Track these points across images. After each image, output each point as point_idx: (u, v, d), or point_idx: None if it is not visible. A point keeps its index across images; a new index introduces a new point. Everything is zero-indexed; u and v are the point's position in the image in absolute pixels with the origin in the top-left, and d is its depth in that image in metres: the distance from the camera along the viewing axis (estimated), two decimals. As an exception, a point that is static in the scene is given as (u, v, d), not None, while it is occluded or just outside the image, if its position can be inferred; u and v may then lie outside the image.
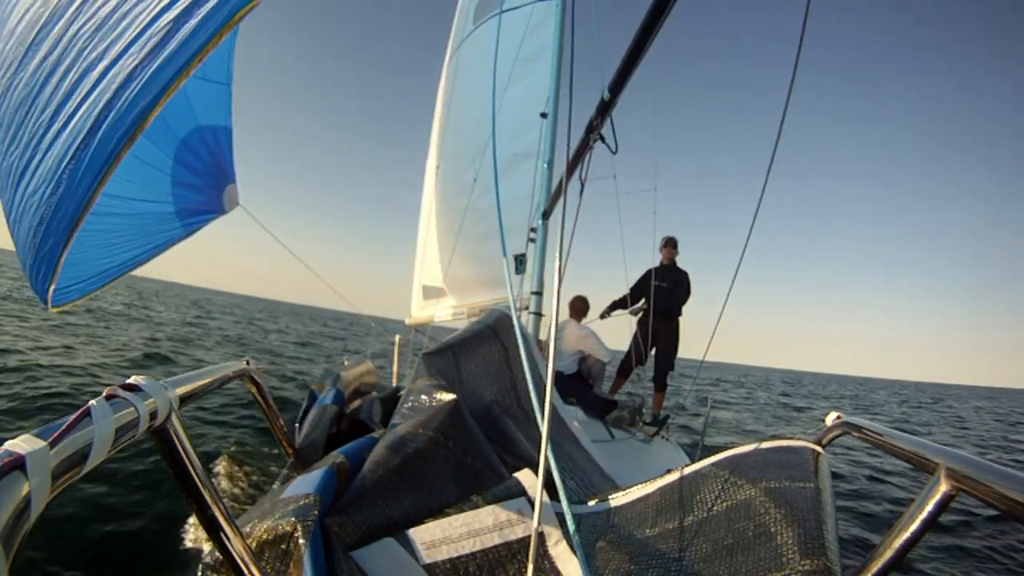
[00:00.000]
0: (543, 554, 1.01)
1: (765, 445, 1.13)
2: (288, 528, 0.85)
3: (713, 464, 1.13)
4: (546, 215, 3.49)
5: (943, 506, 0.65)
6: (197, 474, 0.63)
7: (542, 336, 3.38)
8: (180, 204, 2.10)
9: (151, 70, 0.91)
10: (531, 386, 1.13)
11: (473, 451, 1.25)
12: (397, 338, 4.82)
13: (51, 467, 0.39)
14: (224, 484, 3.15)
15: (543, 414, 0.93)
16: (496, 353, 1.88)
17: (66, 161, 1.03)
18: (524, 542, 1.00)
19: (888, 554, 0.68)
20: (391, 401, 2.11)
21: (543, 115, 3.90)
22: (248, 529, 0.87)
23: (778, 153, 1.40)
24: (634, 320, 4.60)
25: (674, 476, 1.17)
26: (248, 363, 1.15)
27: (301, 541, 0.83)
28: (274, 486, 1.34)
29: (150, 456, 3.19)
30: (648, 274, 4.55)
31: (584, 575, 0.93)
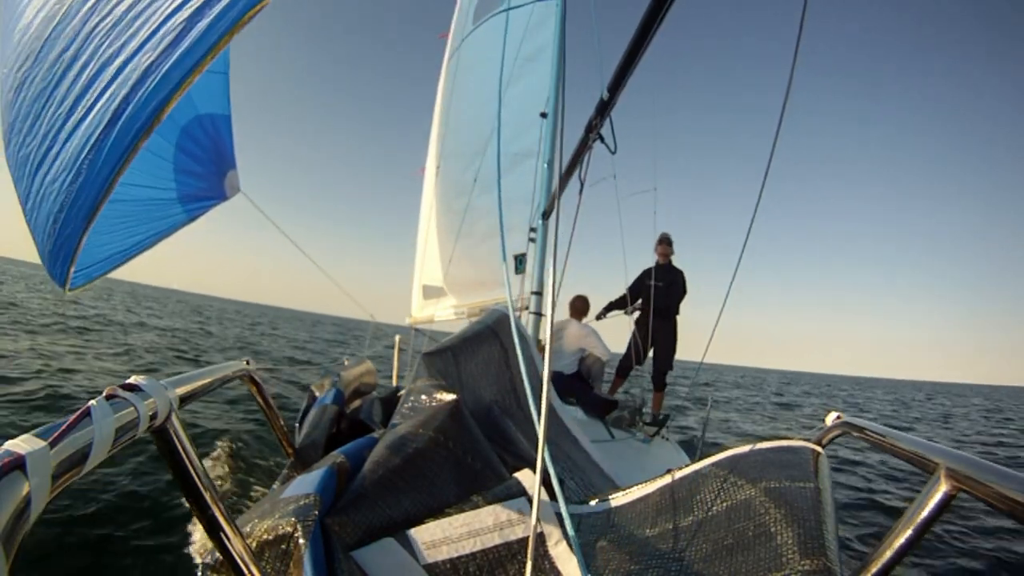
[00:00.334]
0: (543, 554, 1.01)
1: (765, 445, 1.13)
2: (288, 528, 0.85)
3: (713, 464, 1.13)
4: (546, 215, 3.49)
5: (943, 506, 0.65)
6: (197, 474, 0.63)
7: (542, 336, 3.38)
8: (183, 190, 2.14)
9: (165, 67, 0.95)
10: (528, 386, 1.13)
11: (473, 451, 1.25)
12: (397, 338, 4.82)
13: (51, 467, 0.39)
14: (224, 484, 3.15)
15: (540, 414, 0.93)
16: (496, 353, 1.88)
17: (86, 151, 1.08)
18: (524, 542, 1.00)
19: (888, 554, 0.68)
20: (391, 401, 2.11)
21: (543, 115, 3.90)
22: (248, 529, 0.87)
23: (777, 153, 1.40)
24: (632, 320, 4.60)
25: (674, 476, 1.17)
26: (248, 363, 1.15)
27: (301, 541, 0.83)
28: (274, 486, 1.34)
29: (150, 456, 3.19)
30: (644, 274, 4.55)
31: (584, 575, 0.93)
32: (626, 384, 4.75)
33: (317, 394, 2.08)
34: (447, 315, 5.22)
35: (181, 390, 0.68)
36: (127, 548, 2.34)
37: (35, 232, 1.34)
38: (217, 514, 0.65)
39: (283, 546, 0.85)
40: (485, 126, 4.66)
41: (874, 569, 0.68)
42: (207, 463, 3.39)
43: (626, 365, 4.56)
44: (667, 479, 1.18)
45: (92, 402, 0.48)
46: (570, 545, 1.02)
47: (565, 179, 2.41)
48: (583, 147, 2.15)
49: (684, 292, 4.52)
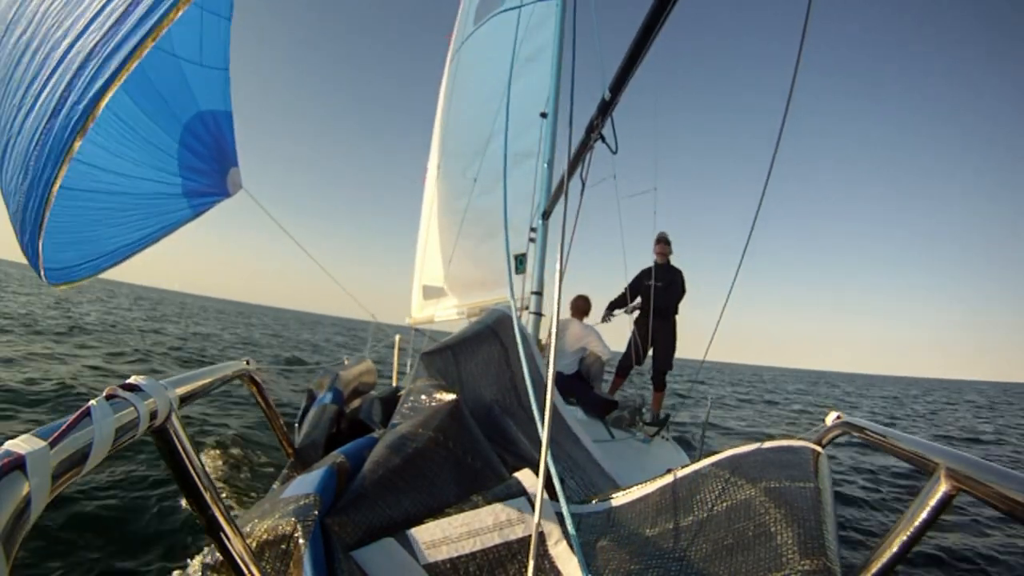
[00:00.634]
0: (543, 554, 1.01)
1: (765, 445, 1.12)
2: (288, 528, 0.85)
3: (713, 464, 1.13)
4: (546, 215, 3.49)
5: (943, 506, 0.65)
6: (197, 474, 0.63)
7: (542, 336, 3.38)
8: (187, 186, 2.16)
9: (111, 46, 0.88)
10: (530, 386, 1.13)
11: (473, 451, 1.25)
12: (397, 338, 4.82)
13: (51, 467, 0.39)
14: (224, 484, 3.15)
15: (543, 414, 0.93)
16: (496, 353, 1.88)
17: (32, 147, 1.00)
18: (524, 542, 1.00)
19: (888, 554, 0.68)
20: (391, 401, 2.11)
21: (543, 115, 3.89)
22: (248, 529, 0.87)
23: (779, 153, 1.40)
24: (631, 320, 4.61)
25: (674, 476, 1.17)
26: (248, 363, 1.15)
27: (301, 541, 0.83)
28: (274, 486, 1.34)
29: (150, 456, 3.19)
30: (643, 274, 4.56)
31: (584, 575, 0.93)
32: (626, 384, 4.75)
33: (317, 394, 2.08)
34: (447, 315, 5.22)
35: (181, 390, 0.68)
36: (127, 548, 2.34)
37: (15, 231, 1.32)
38: (217, 514, 0.65)
39: (283, 546, 0.85)
40: (485, 126, 4.66)
41: (874, 569, 0.68)
42: (207, 463, 3.39)
43: (626, 365, 4.57)
44: (667, 479, 1.18)
45: (92, 402, 0.48)
46: (570, 545, 1.02)
47: (567, 179, 2.41)
48: (584, 147, 2.15)
49: (683, 292, 4.52)
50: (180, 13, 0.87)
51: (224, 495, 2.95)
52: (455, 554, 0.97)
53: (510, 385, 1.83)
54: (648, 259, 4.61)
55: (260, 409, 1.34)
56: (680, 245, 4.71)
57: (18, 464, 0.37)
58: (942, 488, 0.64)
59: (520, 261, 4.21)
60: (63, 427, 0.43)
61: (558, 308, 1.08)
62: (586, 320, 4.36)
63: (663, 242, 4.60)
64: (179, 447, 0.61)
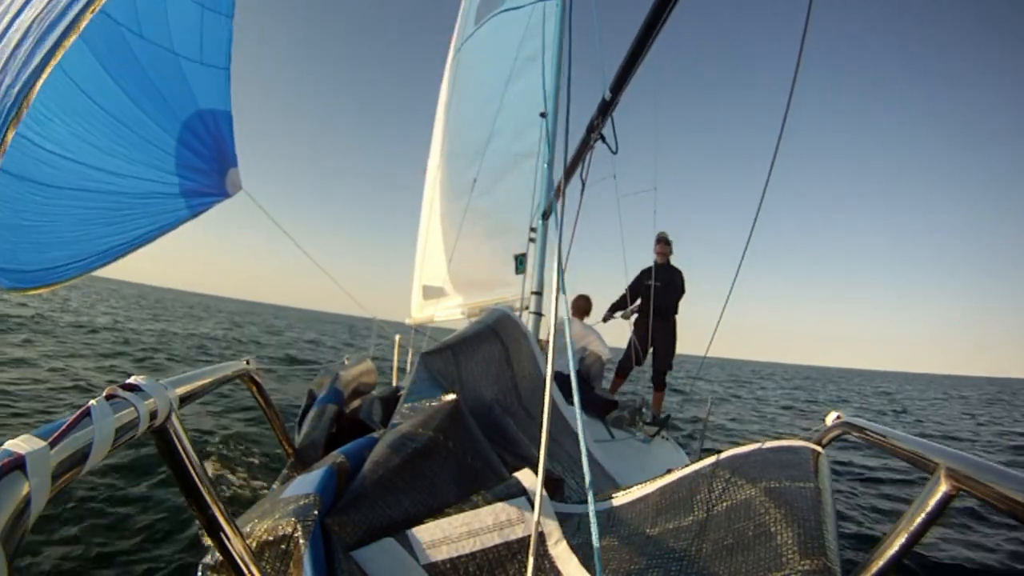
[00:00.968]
0: (543, 554, 1.01)
1: (765, 445, 1.13)
2: (288, 528, 0.85)
3: (713, 464, 1.13)
4: (546, 215, 3.49)
5: (943, 506, 0.65)
6: (197, 474, 0.63)
7: (542, 336, 3.38)
8: (185, 185, 2.12)
9: (49, 19, 0.84)
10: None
11: (473, 451, 1.25)
12: (397, 338, 4.82)
13: (51, 467, 0.39)
14: (224, 484, 3.15)
15: (544, 414, 0.93)
16: (496, 352, 1.88)
17: None
18: (524, 542, 1.00)
19: (888, 554, 0.68)
20: (391, 401, 2.11)
21: (543, 115, 3.90)
22: (248, 529, 0.87)
23: (779, 149, 1.40)
24: (631, 321, 4.62)
25: (674, 476, 1.17)
26: (248, 363, 1.15)
27: (301, 541, 0.83)
28: (274, 486, 1.34)
29: (150, 456, 3.19)
30: (643, 274, 4.56)
31: (584, 575, 0.93)
32: (625, 384, 4.76)
33: (317, 394, 2.08)
34: (447, 315, 5.22)
35: (181, 390, 0.68)
36: (127, 548, 2.34)
37: None
38: (217, 514, 0.65)
39: (283, 546, 0.85)
40: (485, 127, 4.67)
41: (874, 569, 0.68)
42: (207, 463, 3.40)
43: (626, 365, 4.57)
44: (667, 479, 1.18)
45: (92, 402, 0.48)
46: (570, 545, 1.02)
47: (566, 179, 2.41)
48: (584, 147, 2.15)
49: (682, 292, 4.53)
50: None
51: (224, 495, 2.95)
52: (455, 554, 0.97)
53: (510, 385, 1.83)
54: (649, 258, 4.61)
55: (260, 409, 1.34)
56: (680, 241, 4.71)
57: (18, 464, 0.37)
58: (942, 488, 0.64)
59: (520, 261, 4.22)
60: (63, 427, 0.43)
61: (558, 307, 1.08)
62: (586, 320, 4.37)
63: (663, 242, 4.60)
64: (179, 447, 0.61)
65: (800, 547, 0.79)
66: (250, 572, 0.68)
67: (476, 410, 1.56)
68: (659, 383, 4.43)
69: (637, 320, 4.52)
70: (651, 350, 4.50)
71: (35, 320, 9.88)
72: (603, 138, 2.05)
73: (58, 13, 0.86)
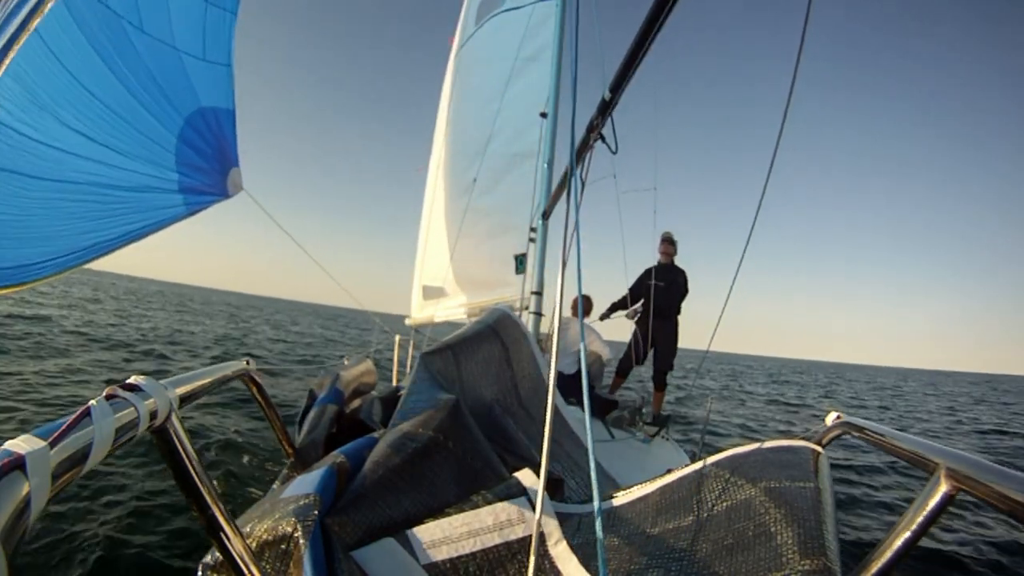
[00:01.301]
0: (543, 554, 1.01)
1: (765, 445, 1.13)
2: (288, 528, 0.85)
3: (713, 464, 1.13)
4: (546, 215, 3.49)
5: (943, 506, 0.65)
6: (197, 474, 0.63)
7: (541, 336, 3.38)
8: (184, 182, 2.06)
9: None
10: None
11: (473, 451, 1.25)
12: (397, 338, 4.82)
13: (51, 467, 0.39)
14: (224, 484, 3.15)
15: (547, 414, 0.93)
16: (496, 352, 1.88)
17: None
18: (524, 542, 1.00)
19: (888, 554, 0.68)
20: (391, 401, 2.10)
21: (543, 115, 3.89)
22: (248, 529, 0.87)
23: (780, 143, 1.39)
24: (633, 319, 4.62)
25: (674, 476, 1.17)
26: (248, 363, 1.15)
27: (301, 541, 0.83)
28: (274, 486, 1.34)
29: (150, 455, 3.20)
30: (646, 273, 4.56)
31: (584, 575, 0.93)
32: (625, 384, 4.76)
33: (317, 394, 2.08)
34: (447, 315, 5.22)
35: (181, 390, 0.68)
36: (127, 548, 2.34)
37: None
38: (217, 514, 0.65)
39: (283, 546, 0.85)
40: (485, 127, 4.67)
41: (874, 569, 0.68)
42: (207, 463, 3.40)
43: (626, 365, 4.57)
44: (667, 479, 1.18)
45: (92, 402, 0.48)
46: (570, 545, 1.02)
47: (567, 180, 2.40)
48: (584, 147, 2.15)
49: (685, 292, 4.52)
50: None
51: (224, 495, 2.95)
52: (455, 554, 0.97)
53: (510, 385, 1.83)
54: (648, 259, 4.61)
55: (260, 409, 1.34)
56: (682, 237, 4.71)
57: (18, 464, 0.37)
58: (942, 488, 0.64)
59: (520, 261, 4.22)
60: (63, 427, 0.43)
61: (559, 308, 1.08)
62: (587, 320, 4.36)
63: (667, 242, 4.60)
64: (179, 447, 0.61)
65: (800, 547, 0.79)
66: (250, 572, 0.69)
67: (476, 410, 1.56)
68: (660, 383, 4.43)
69: (639, 319, 4.52)
70: (652, 350, 4.49)
71: (75, 331, 9.22)
72: (603, 138, 2.05)
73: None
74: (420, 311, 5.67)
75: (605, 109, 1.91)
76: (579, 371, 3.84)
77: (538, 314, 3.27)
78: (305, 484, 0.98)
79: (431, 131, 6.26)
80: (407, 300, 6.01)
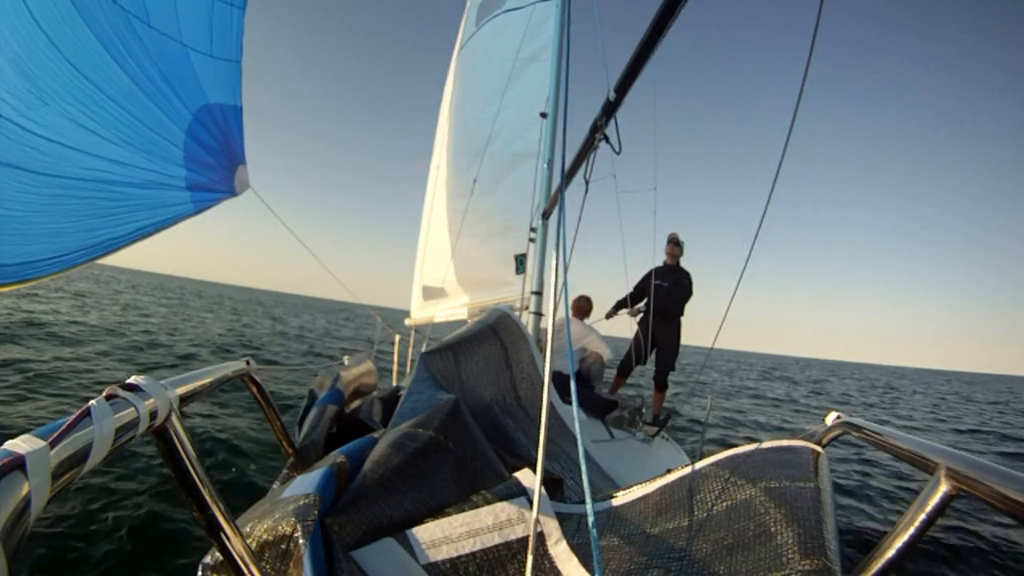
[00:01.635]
0: (543, 554, 1.01)
1: (765, 445, 1.13)
2: (288, 528, 0.85)
3: (713, 464, 1.13)
4: (546, 215, 3.48)
5: (943, 506, 0.65)
6: (197, 474, 0.63)
7: (542, 336, 3.38)
8: (191, 179, 2.04)
9: None
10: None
11: (473, 451, 1.25)
12: (397, 338, 4.82)
13: (51, 467, 0.40)
14: (224, 484, 3.15)
15: (542, 414, 0.93)
16: (496, 352, 1.88)
17: None
18: (524, 542, 1.00)
19: (888, 554, 0.68)
20: (391, 401, 2.10)
21: (543, 115, 3.89)
22: (248, 529, 0.87)
23: (776, 144, 1.39)
24: (636, 319, 4.62)
25: (674, 476, 1.17)
26: (248, 363, 1.15)
27: (301, 541, 0.83)
28: (274, 486, 1.34)
29: (149, 455, 3.20)
30: (650, 273, 4.56)
31: (584, 575, 0.93)
32: (624, 384, 4.76)
33: (317, 394, 2.08)
34: (447, 315, 5.22)
35: (181, 390, 0.68)
36: (127, 548, 2.34)
37: None
38: (217, 514, 0.65)
39: (283, 546, 0.85)
40: (485, 127, 4.67)
41: (874, 569, 0.68)
42: (207, 463, 3.40)
43: (627, 364, 4.57)
44: (667, 479, 1.18)
45: (92, 402, 0.48)
46: (570, 545, 1.02)
47: (567, 180, 2.40)
48: (588, 147, 2.14)
49: (689, 294, 4.52)
50: None
51: (224, 495, 2.95)
52: (455, 554, 0.97)
53: (509, 385, 1.83)
54: (648, 259, 4.61)
55: (260, 409, 1.34)
56: (684, 236, 4.70)
57: (18, 464, 0.37)
58: (942, 488, 0.64)
59: (520, 261, 4.22)
60: (63, 427, 0.43)
61: (556, 307, 1.08)
62: (587, 320, 4.37)
63: (673, 243, 4.60)
64: (179, 447, 0.61)
65: (800, 547, 0.79)
66: (250, 572, 0.69)
67: (476, 410, 1.56)
68: (661, 383, 4.43)
69: (642, 319, 4.53)
70: (654, 350, 4.50)
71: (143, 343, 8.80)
72: (607, 138, 2.04)
73: None
74: (420, 311, 5.67)
75: (610, 110, 1.90)
76: (579, 371, 3.84)
77: (538, 314, 3.27)
78: (305, 484, 0.98)
79: (434, 126, 6.26)
80: (401, 293, 6.01)
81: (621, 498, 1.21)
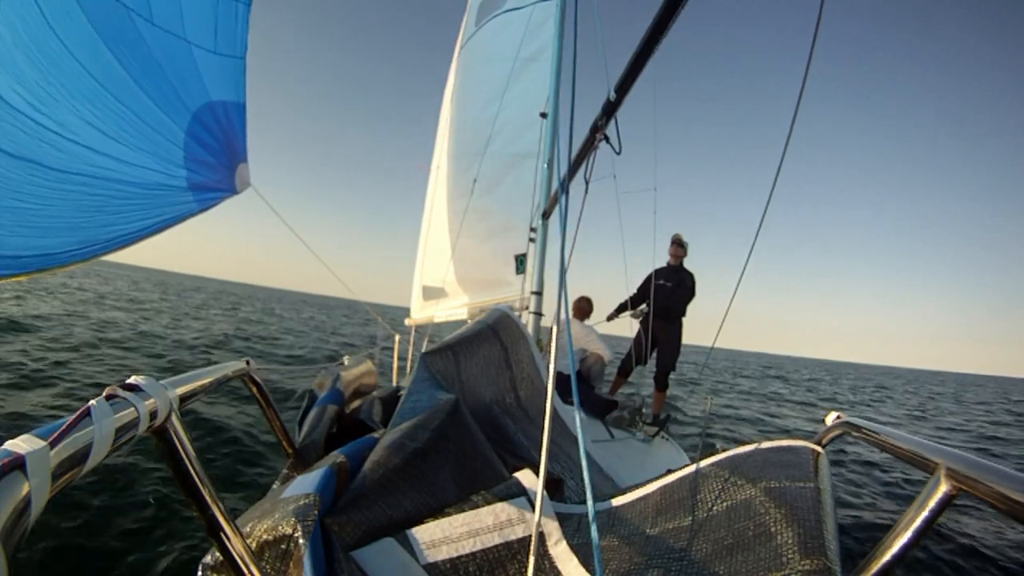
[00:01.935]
0: (543, 554, 1.01)
1: (765, 445, 1.13)
2: (288, 528, 0.85)
3: (713, 464, 1.13)
4: (546, 215, 3.48)
5: (943, 506, 0.65)
6: (197, 474, 0.63)
7: (542, 336, 3.38)
8: (192, 179, 2.04)
9: None
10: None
11: (473, 451, 1.25)
12: (396, 338, 4.82)
13: (51, 467, 0.40)
14: (224, 484, 3.15)
15: (544, 414, 0.93)
16: (496, 353, 1.88)
17: None
18: (524, 542, 1.00)
19: (888, 554, 0.68)
20: (391, 401, 2.10)
21: (543, 115, 3.90)
22: (248, 529, 0.87)
23: (776, 143, 1.39)
24: (637, 319, 4.63)
25: (674, 476, 1.17)
26: (248, 363, 1.15)
27: (301, 541, 0.83)
28: (274, 486, 1.34)
29: (149, 455, 3.20)
30: (653, 273, 4.57)
31: (584, 575, 0.93)
32: (624, 384, 4.76)
33: (317, 394, 2.08)
34: (447, 316, 5.22)
35: (181, 390, 0.68)
36: (127, 548, 2.34)
37: None
38: (217, 514, 0.65)
39: (283, 546, 0.85)
40: (485, 127, 4.67)
41: (874, 569, 0.68)
42: (212, 464, 3.40)
43: (628, 365, 4.58)
44: (667, 479, 1.18)
45: (92, 402, 0.48)
46: (570, 545, 1.02)
47: (568, 180, 2.40)
48: (588, 147, 2.14)
49: (692, 294, 4.51)
50: None
51: (224, 495, 2.95)
52: (455, 554, 0.97)
53: (510, 385, 1.83)
54: (648, 259, 4.61)
55: (260, 409, 1.34)
56: (685, 236, 4.71)
57: (18, 464, 0.37)
58: (942, 488, 0.64)
59: (520, 261, 4.22)
60: (63, 427, 0.43)
61: (557, 308, 1.08)
62: (587, 321, 4.37)
63: (677, 244, 4.60)
64: (179, 447, 0.61)
65: (800, 547, 0.79)
66: (250, 572, 0.69)
67: (476, 410, 1.56)
68: (661, 383, 4.43)
69: (643, 319, 4.53)
70: (655, 350, 4.50)
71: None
72: (607, 138, 2.04)
73: None
74: (420, 311, 5.67)
75: (610, 110, 1.90)
76: (579, 372, 3.84)
77: (538, 314, 3.27)
78: (305, 484, 0.98)
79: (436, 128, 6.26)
80: (408, 293, 6.01)
81: (621, 498, 1.21)
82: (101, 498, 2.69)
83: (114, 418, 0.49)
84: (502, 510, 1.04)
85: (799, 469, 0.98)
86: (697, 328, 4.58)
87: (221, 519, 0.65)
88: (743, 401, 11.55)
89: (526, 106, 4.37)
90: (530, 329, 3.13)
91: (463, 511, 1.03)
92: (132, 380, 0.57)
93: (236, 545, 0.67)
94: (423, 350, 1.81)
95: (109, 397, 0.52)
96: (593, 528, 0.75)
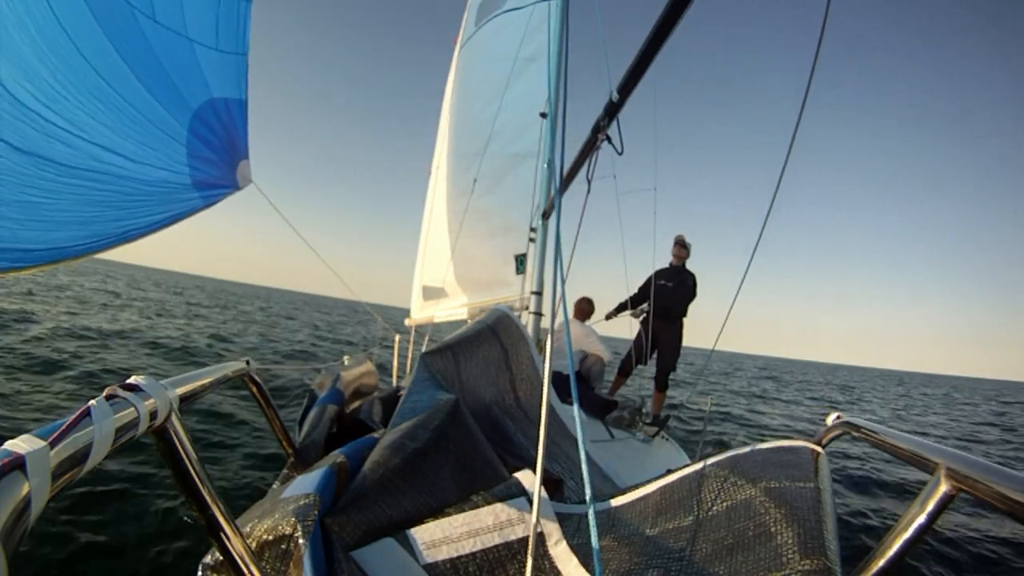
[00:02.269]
0: (543, 554, 1.01)
1: (765, 445, 1.13)
2: (288, 528, 0.85)
3: (713, 464, 1.13)
4: (546, 215, 3.48)
5: (943, 506, 0.65)
6: (197, 474, 0.63)
7: (542, 336, 3.38)
8: (195, 176, 2.06)
9: None
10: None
11: (473, 451, 1.25)
12: (396, 338, 4.83)
13: (51, 467, 0.40)
14: (224, 484, 3.15)
15: (542, 414, 0.93)
16: (496, 353, 1.88)
17: None
18: (524, 542, 1.00)
19: (888, 554, 0.68)
20: (391, 401, 2.10)
21: (543, 115, 3.90)
22: (248, 529, 0.87)
23: (777, 143, 1.39)
24: (640, 319, 4.63)
25: (674, 476, 1.17)
26: (248, 363, 1.15)
27: (301, 541, 0.83)
28: (274, 486, 1.34)
29: (150, 455, 3.20)
30: (655, 274, 4.57)
31: (584, 575, 0.93)
32: (626, 383, 4.76)
33: (317, 394, 2.08)
34: (447, 316, 5.22)
35: (181, 390, 0.68)
36: (127, 548, 2.34)
37: None
38: (217, 514, 0.65)
39: (283, 546, 0.85)
40: (485, 127, 4.67)
41: (874, 569, 0.68)
42: (213, 464, 3.40)
43: (628, 365, 4.57)
44: (667, 479, 1.18)
45: (92, 402, 0.48)
46: (570, 545, 1.02)
47: (568, 180, 2.40)
48: (590, 147, 2.14)
49: (693, 295, 4.51)
50: None
51: (224, 495, 2.95)
52: (455, 554, 0.97)
53: (509, 386, 1.83)
54: (648, 259, 4.62)
55: (260, 409, 1.34)
56: (687, 236, 4.70)
57: (18, 464, 0.37)
58: (942, 488, 0.64)
59: (520, 261, 4.22)
60: (63, 427, 0.43)
61: (555, 308, 1.08)
62: (588, 322, 4.37)
63: (680, 245, 4.60)
64: (179, 447, 0.61)
65: (800, 547, 0.79)
66: (250, 572, 0.69)
67: (476, 410, 1.56)
68: (661, 384, 4.43)
69: (644, 319, 4.53)
70: (655, 351, 4.50)
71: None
72: (609, 139, 2.04)
73: None
74: (420, 311, 5.67)
75: (612, 110, 1.89)
76: (578, 372, 3.84)
77: (538, 314, 3.27)
78: (305, 484, 0.98)
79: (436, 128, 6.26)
80: (408, 292, 6.01)
81: (621, 498, 1.21)
82: (101, 498, 2.69)
83: (114, 418, 0.49)
84: (502, 510, 1.04)
85: (799, 469, 0.98)
86: (697, 330, 4.58)
87: (221, 519, 0.65)
88: (759, 403, 11.83)
89: (526, 106, 4.37)
90: (530, 329, 3.13)
91: (463, 511, 1.03)
92: (132, 380, 0.57)
93: (236, 545, 0.67)
94: (423, 350, 1.81)
95: (109, 397, 0.52)
96: (593, 528, 0.75)
